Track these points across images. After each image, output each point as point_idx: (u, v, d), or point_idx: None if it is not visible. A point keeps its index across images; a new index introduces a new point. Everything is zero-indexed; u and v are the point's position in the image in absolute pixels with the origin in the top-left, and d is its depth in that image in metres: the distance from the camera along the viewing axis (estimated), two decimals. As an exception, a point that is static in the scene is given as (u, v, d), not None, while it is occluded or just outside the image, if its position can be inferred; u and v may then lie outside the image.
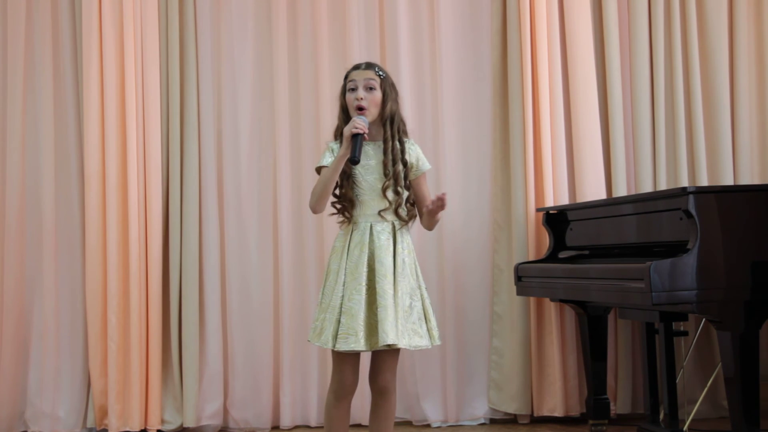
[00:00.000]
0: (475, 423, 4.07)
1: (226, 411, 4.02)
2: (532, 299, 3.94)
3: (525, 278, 3.74)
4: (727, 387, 2.88)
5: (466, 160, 4.16)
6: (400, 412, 4.07)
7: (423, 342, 2.69)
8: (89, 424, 4.01)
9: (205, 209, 4.05)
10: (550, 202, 3.96)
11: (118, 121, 3.99)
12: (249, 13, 4.15)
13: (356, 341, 2.58)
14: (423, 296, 2.74)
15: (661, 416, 3.32)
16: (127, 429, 3.91)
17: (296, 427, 4.03)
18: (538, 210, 3.95)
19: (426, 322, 2.72)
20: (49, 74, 4.07)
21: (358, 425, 3.84)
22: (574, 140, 4.04)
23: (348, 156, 2.61)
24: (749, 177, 4.08)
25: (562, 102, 4.04)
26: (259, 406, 4.00)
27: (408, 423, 4.09)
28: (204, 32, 4.11)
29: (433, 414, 4.04)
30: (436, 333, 2.74)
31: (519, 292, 3.83)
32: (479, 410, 4.07)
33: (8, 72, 4.06)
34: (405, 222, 2.76)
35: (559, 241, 3.83)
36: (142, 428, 3.94)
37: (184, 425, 3.97)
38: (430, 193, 2.83)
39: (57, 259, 4.04)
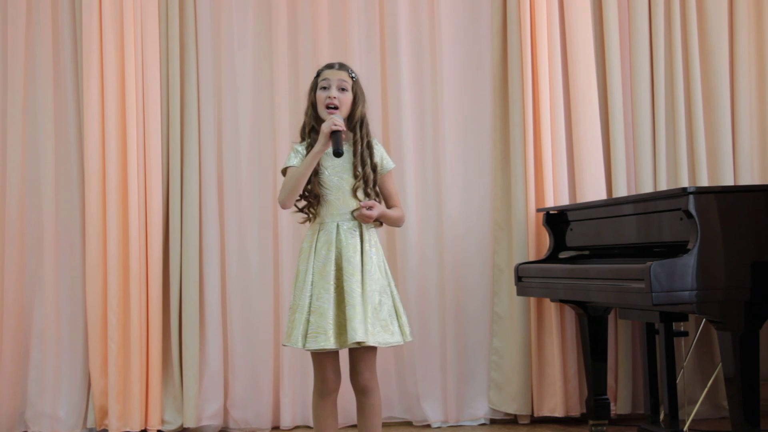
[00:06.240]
0: (475, 423, 4.07)
1: (226, 411, 4.02)
2: (532, 299, 3.94)
3: (525, 278, 3.74)
4: (727, 387, 2.88)
5: (466, 160, 4.16)
6: (400, 412, 4.08)
7: (394, 339, 2.73)
8: (89, 424, 4.01)
9: (205, 209, 4.05)
10: (550, 203, 3.96)
11: (118, 121, 3.99)
12: (249, 14, 4.15)
13: (326, 339, 2.63)
14: (393, 293, 2.78)
15: (662, 416, 3.32)
16: (128, 429, 3.91)
17: (296, 427, 4.03)
18: (538, 210, 3.95)
19: (397, 319, 2.76)
20: (49, 74, 4.07)
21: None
22: (574, 140, 4.04)
23: (330, 149, 2.68)
24: (749, 177, 4.08)
25: (562, 102, 4.04)
26: (259, 406, 4.00)
27: (408, 423, 4.09)
28: (204, 32, 4.11)
29: (434, 414, 4.03)
30: (407, 329, 2.78)
31: (519, 293, 3.83)
32: (479, 410, 4.07)
33: (8, 72, 4.06)
34: (377, 223, 2.83)
35: (559, 242, 3.82)
36: (143, 428, 3.94)
37: (185, 425, 3.97)
38: (396, 190, 2.91)
39: (57, 259, 4.03)
